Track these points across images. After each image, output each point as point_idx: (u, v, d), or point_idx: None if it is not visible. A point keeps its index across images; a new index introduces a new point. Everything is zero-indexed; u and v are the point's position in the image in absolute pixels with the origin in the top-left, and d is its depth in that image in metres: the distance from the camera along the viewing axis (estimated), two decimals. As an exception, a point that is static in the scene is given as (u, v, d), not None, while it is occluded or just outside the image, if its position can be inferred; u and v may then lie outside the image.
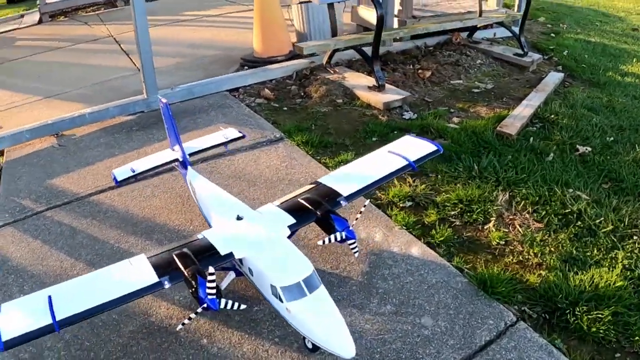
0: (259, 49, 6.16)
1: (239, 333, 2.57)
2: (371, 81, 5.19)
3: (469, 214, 3.36)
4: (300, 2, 6.05)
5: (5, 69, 7.71)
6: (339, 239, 2.52)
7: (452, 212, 3.38)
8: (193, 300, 2.55)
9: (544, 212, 3.35)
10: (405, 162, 2.93)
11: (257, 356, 2.44)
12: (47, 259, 3.26)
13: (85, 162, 4.42)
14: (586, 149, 4.16)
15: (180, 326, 2.33)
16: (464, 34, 6.61)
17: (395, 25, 6.43)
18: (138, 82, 5.42)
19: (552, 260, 2.94)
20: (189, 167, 3.27)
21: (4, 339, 2.02)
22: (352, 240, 2.57)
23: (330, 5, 5.35)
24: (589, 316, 2.57)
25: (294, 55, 6.07)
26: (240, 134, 3.58)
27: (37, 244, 3.40)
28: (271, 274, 2.25)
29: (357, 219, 2.71)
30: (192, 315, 2.24)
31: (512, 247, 3.08)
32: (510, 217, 3.33)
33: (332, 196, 2.76)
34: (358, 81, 5.32)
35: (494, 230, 3.20)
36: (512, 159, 3.92)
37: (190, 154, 3.40)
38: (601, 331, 2.51)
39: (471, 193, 3.50)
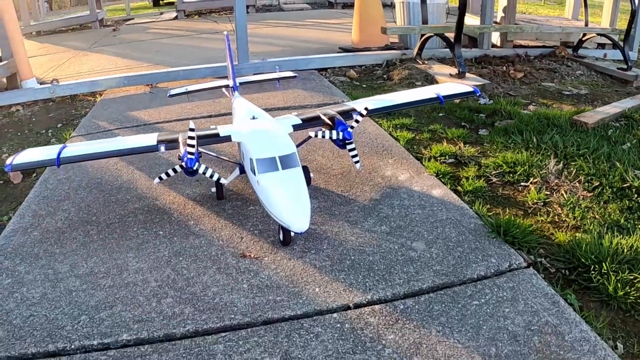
0: (355, 39, 6.04)
1: (224, 221, 2.44)
2: (455, 71, 4.86)
3: (511, 175, 2.96)
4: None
5: (131, 46, 8.34)
6: (334, 137, 2.32)
7: (494, 172, 2.99)
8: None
9: (597, 183, 2.85)
10: (434, 95, 2.64)
11: (231, 240, 2.30)
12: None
13: (165, 103, 4.52)
14: (669, 145, 3.56)
15: (156, 180, 2.29)
16: (570, 50, 6.07)
17: (496, 36, 6.04)
18: None
19: (592, 225, 2.45)
20: (236, 92, 3.23)
21: (14, 162, 2.32)
22: (351, 145, 2.32)
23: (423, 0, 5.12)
24: (620, 277, 2.05)
25: (390, 48, 5.87)
26: (293, 74, 3.47)
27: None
28: (252, 149, 2.17)
29: (357, 121, 2.43)
30: (170, 172, 2.23)
31: (549, 209, 2.64)
32: (557, 183, 2.88)
33: (348, 111, 2.58)
34: (442, 70, 5.02)
35: (533, 190, 2.78)
36: (579, 140, 3.44)
37: (241, 83, 3.38)
38: (631, 296, 1.99)
39: (520, 157, 3.09)
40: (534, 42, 6.29)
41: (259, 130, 2.34)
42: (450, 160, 3.14)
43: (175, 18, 11.65)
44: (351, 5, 11.58)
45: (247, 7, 11.68)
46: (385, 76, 5.05)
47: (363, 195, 2.62)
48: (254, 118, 2.52)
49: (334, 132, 2.31)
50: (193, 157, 2.11)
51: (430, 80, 4.81)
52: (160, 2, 16.90)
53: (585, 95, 4.88)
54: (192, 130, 2.09)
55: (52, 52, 8.68)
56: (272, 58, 5.72)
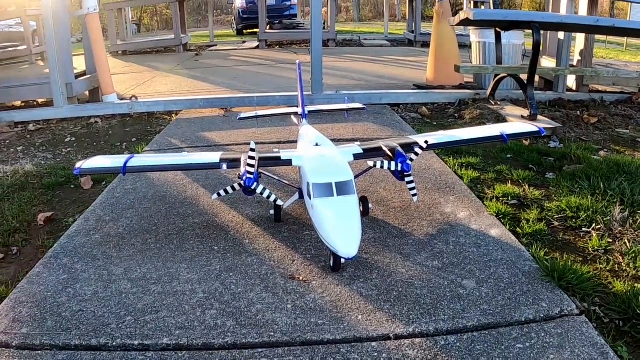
0: (430, 76, 6.05)
1: (278, 243, 2.48)
2: (527, 113, 4.78)
3: (573, 220, 2.87)
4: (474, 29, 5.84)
5: (211, 71, 8.73)
6: (392, 168, 2.32)
7: (556, 216, 2.91)
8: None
9: (665, 235, 2.73)
10: (498, 133, 2.61)
11: (282, 261, 2.33)
12: (166, 173, 3.48)
13: (237, 127, 4.68)
14: None
15: (215, 195, 2.34)
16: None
17: (572, 79, 5.91)
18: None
19: (654, 277, 2.36)
20: (304, 120, 3.30)
21: (82, 167, 2.49)
22: (409, 177, 2.33)
23: (498, 40, 5.08)
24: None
25: (463, 87, 5.84)
26: (362, 106, 3.52)
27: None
28: (310, 174, 2.21)
29: (417, 154, 2.43)
30: (229, 189, 2.28)
31: (609, 257, 2.53)
32: (621, 231, 2.77)
33: (410, 144, 2.57)
34: (514, 111, 4.94)
35: (595, 237, 2.68)
36: (651, 188, 3.29)
37: (310, 111, 3.46)
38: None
39: (584, 203, 2.99)
40: (611, 87, 6.10)
41: (319, 155, 2.38)
42: (513, 202, 3.07)
43: (257, 47, 12.04)
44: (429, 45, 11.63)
45: (328, 40, 12.04)
46: (456, 115, 5.02)
47: (420, 230, 2.60)
48: (317, 145, 2.56)
49: (393, 163, 2.32)
50: (252, 176, 2.17)
51: (501, 121, 4.74)
52: (244, 31, 17.52)
53: (665, 147, 4.67)
54: (252, 150, 2.15)
55: (135, 71, 9.13)
56: (345, 91, 5.80)
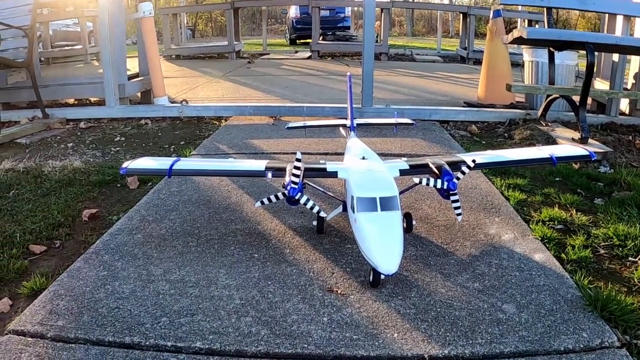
0: (481, 94, 5.98)
1: (319, 255, 2.48)
2: (578, 136, 4.67)
3: (620, 248, 2.78)
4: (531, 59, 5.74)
5: (263, 79, 8.87)
6: (438, 185, 2.30)
7: (602, 243, 2.83)
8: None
9: None
10: (547, 156, 2.56)
11: (322, 273, 2.32)
12: (211, 178, 3.55)
13: (285, 136, 4.72)
14: None
15: (258, 203, 2.36)
16: None
17: (625, 103, 5.75)
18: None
19: None
20: (352, 132, 3.31)
21: (129, 167, 2.55)
22: (455, 196, 2.31)
23: (551, 60, 4.99)
24: None
25: (514, 106, 5.76)
26: (412, 122, 3.51)
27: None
28: (355, 187, 2.19)
29: (463, 173, 2.40)
30: (272, 198, 2.28)
31: (657, 289, 2.45)
32: (672, 264, 2.67)
33: (457, 162, 2.55)
34: (565, 134, 4.83)
35: (644, 270, 2.59)
36: None
37: (358, 124, 3.46)
38: None
39: (632, 231, 2.90)
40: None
41: (365, 169, 2.38)
42: (559, 227, 3.00)
43: (309, 58, 12.14)
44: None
45: (380, 54, 12.05)
46: (506, 135, 4.95)
47: (462, 250, 2.56)
48: (363, 158, 2.56)
49: (439, 181, 2.30)
50: (296, 186, 2.18)
51: (551, 142, 4.65)
52: (297, 41, 17.70)
53: None
54: (298, 160, 2.16)
55: (187, 75, 9.32)
56: (395, 105, 5.78)
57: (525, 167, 3.97)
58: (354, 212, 2.12)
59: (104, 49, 5.56)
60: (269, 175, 2.43)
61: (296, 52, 13.98)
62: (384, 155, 3.98)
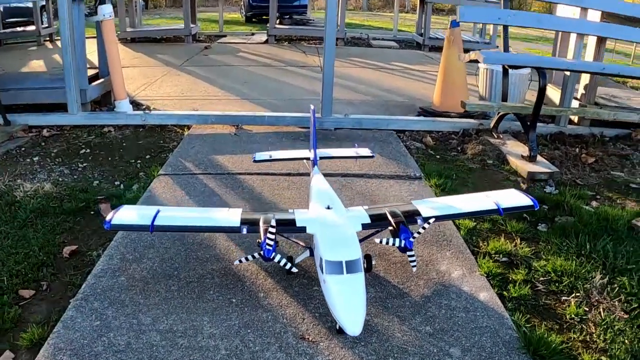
0: (437, 102, 6.40)
1: (290, 299, 2.83)
2: (527, 152, 5.14)
3: (556, 283, 3.25)
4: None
5: (221, 71, 9.11)
6: (397, 244, 2.68)
7: (541, 278, 3.29)
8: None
9: (635, 305, 3.09)
10: (494, 207, 2.99)
11: (294, 319, 2.68)
12: (182, 204, 3.94)
13: (248, 151, 5.02)
14: None
15: (237, 261, 2.73)
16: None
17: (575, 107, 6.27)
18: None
19: (619, 351, 2.72)
20: (316, 167, 3.65)
21: (113, 222, 2.77)
22: (411, 252, 2.70)
23: (505, 74, 5.42)
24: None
25: (468, 115, 6.19)
26: (371, 154, 3.86)
27: (181, 194, 4.12)
28: (323, 249, 2.54)
29: (418, 233, 2.79)
30: (251, 257, 2.64)
31: (584, 326, 2.91)
32: (598, 299, 3.15)
33: (413, 214, 2.92)
34: (515, 149, 5.30)
35: (574, 305, 3.06)
36: (631, 250, 3.66)
37: (321, 157, 3.80)
38: None
39: (569, 267, 3.37)
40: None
41: (331, 227, 2.71)
42: (504, 259, 3.45)
43: (266, 42, 12.34)
44: (438, 49, 12.06)
45: (337, 39, 12.29)
46: (459, 148, 5.38)
47: (416, 290, 2.97)
48: (328, 207, 2.90)
49: (397, 240, 2.67)
50: (271, 248, 2.54)
51: (502, 159, 5.11)
52: (253, 19, 17.79)
53: (655, 191, 5.04)
54: (273, 227, 2.52)
55: (144, 64, 9.44)
56: (353, 109, 6.19)
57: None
58: (322, 272, 2.48)
59: (66, 54, 5.71)
60: (244, 231, 2.75)
61: (252, 34, 14.15)
62: (345, 175, 4.38)
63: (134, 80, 8.12)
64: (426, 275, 3.15)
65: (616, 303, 3.09)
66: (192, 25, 12.26)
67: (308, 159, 3.74)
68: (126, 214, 2.86)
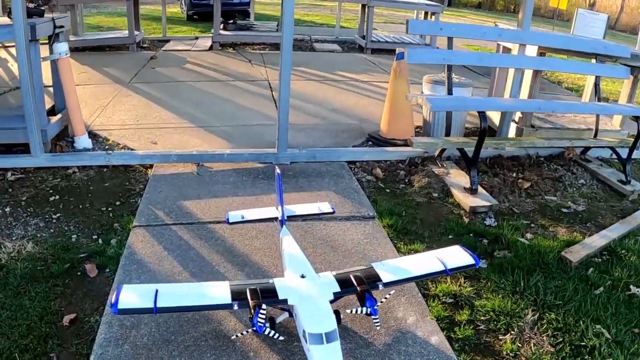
0: (384, 129, 7.04)
1: (277, 356, 3.41)
2: (468, 184, 5.84)
3: (495, 322, 3.94)
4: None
5: (171, 89, 9.54)
6: (364, 312, 3.30)
7: (482, 318, 3.98)
8: (249, 322, 3.46)
9: (561, 339, 3.79)
10: (442, 268, 3.64)
11: (282, 384, 3.23)
12: (162, 261, 4.37)
13: (213, 194, 5.52)
14: (638, 291, 4.44)
15: (234, 336, 3.35)
16: (578, 149, 7.01)
17: (513, 130, 7.04)
18: (274, 133, 6.51)
19: (547, 381, 3.45)
20: (283, 226, 4.18)
21: (119, 307, 3.18)
22: (375, 318, 3.33)
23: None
24: None
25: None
26: (331, 210, 4.46)
27: (159, 248, 4.53)
28: (305, 322, 3.11)
29: (381, 302, 3.44)
30: (244, 332, 3.29)
31: (517, 361, 3.63)
32: (530, 335, 3.86)
33: (374, 279, 3.53)
34: (458, 180, 6.00)
35: (509, 342, 3.77)
36: (559, 285, 4.36)
37: (288, 217, 4.33)
38: None
39: (505, 306, 4.07)
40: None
41: (309, 299, 3.27)
42: (450, 300, 4.12)
43: (211, 48, 12.73)
44: (380, 51, 12.78)
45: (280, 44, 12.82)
46: (407, 180, 6.03)
47: (379, 339, 3.58)
48: (302, 276, 3.47)
49: (364, 308, 3.28)
50: (262, 325, 3.11)
51: (446, 191, 5.80)
52: (194, 16, 18.04)
53: (581, 214, 5.83)
54: (263, 309, 3.10)
55: (93, 81, 9.69)
56: (304, 136, 6.98)
57: (424, 228, 5.09)
58: (306, 341, 3.05)
59: (27, 97, 5.98)
60: (236, 307, 3.27)
61: (197, 38, 14.47)
62: (304, 219, 4.92)
63: (86, 104, 8.36)
64: (386, 323, 3.78)
65: (544, 338, 3.81)
66: (136, 33, 12.53)
67: (277, 218, 4.26)
68: (128, 297, 3.27)
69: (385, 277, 3.54)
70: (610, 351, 3.75)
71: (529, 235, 5.20)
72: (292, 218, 4.39)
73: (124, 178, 6.12)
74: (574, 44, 6.97)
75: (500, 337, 3.82)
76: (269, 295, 3.35)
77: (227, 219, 4.41)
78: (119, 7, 17.52)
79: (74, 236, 4.90)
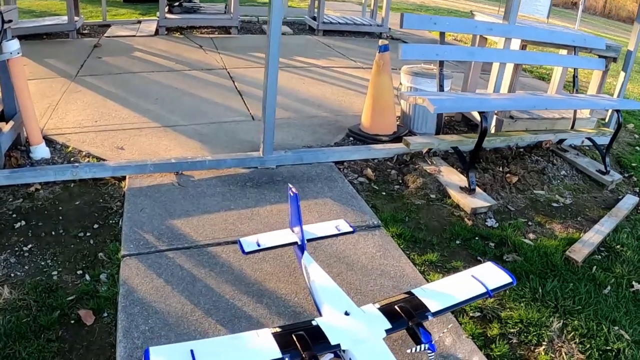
0: (366, 124, 7.00)
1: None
2: (463, 180, 5.88)
3: (525, 334, 4.01)
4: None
5: (123, 82, 9.04)
6: (423, 349, 3.18)
7: (512, 330, 4.04)
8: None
9: (588, 345, 3.92)
10: (484, 290, 3.59)
11: None
12: (169, 299, 3.97)
13: (203, 209, 5.21)
14: (640, 288, 4.61)
15: None
16: (555, 139, 7.23)
17: (492, 121, 7.15)
18: (251, 130, 6.49)
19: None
20: (305, 252, 3.96)
21: None
22: (433, 353, 3.22)
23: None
24: None
25: (396, 137, 6.86)
26: (351, 230, 4.29)
27: (160, 282, 4.14)
28: None
29: (440, 336, 3.41)
30: None
31: (554, 371, 3.71)
32: (560, 344, 3.94)
33: (422, 310, 3.40)
34: (451, 178, 6.04)
35: (543, 353, 3.84)
36: (573, 287, 4.50)
37: (309, 240, 4.09)
38: None
39: (531, 316, 4.14)
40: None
41: (363, 342, 3.09)
42: (477, 314, 4.16)
43: (157, 33, 12.29)
44: (332, 32, 12.70)
45: (230, 28, 12.56)
46: (400, 180, 6.02)
47: (426, 367, 3.56)
48: (347, 313, 3.29)
49: (424, 345, 3.15)
50: None
51: (442, 191, 5.83)
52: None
53: (570, 207, 6.04)
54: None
55: (36, 75, 9.05)
56: (282, 133, 6.82)
57: (432, 235, 5.10)
58: None
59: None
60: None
61: (139, 22, 13.91)
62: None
63: (34, 103, 7.86)
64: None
65: (573, 345, 3.94)
66: (76, 19, 11.94)
67: (296, 243, 4.03)
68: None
69: (432, 305, 3.46)
70: (633, 352, 3.91)
71: (531, 236, 5.32)
72: (312, 240, 4.23)
73: (95, 194, 5.60)
74: (557, 37, 7.34)
75: (533, 349, 3.88)
76: (319, 341, 3.12)
77: (242, 249, 4.06)
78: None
79: (55, 273, 4.19)
